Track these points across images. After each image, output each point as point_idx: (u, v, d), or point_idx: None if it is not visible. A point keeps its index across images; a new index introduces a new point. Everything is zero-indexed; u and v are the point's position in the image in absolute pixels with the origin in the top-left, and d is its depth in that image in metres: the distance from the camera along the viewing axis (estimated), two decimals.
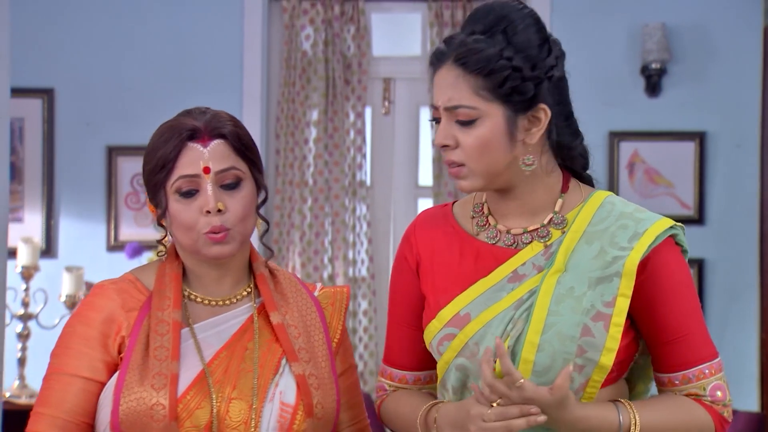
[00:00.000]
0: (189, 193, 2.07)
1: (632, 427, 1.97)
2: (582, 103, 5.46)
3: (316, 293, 2.25)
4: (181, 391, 2.04)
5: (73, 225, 5.41)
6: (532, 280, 2.03)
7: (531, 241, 2.07)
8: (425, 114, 5.48)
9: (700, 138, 5.33)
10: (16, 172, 5.43)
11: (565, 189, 2.09)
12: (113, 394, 2.04)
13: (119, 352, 2.09)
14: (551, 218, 2.07)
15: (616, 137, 5.35)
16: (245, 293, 2.17)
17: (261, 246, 2.26)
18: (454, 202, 2.21)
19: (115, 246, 5.37)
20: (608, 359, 1.96)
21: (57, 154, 5.46)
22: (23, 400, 5.01)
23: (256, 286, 2.19)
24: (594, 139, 5.41)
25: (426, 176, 5.50)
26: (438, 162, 5.35)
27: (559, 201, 2.08)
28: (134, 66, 5.38)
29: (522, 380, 1.91)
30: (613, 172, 5.35)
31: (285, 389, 2.09)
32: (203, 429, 2.03)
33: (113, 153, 5.40)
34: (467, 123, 2.01)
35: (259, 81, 5.39)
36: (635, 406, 2.00)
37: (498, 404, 1.93)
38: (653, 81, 5.30)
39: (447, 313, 2.06)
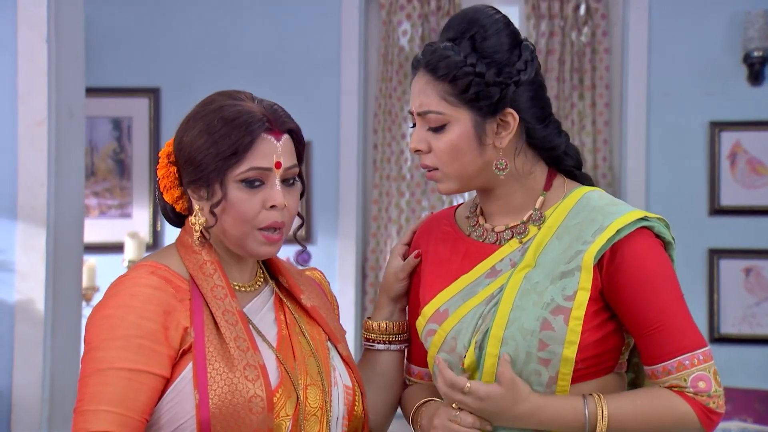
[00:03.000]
0: (254, 185, 2.00)
1: (599, 417, 1.95)
2: (683, 93, 5.46)
3: (306, 273, 2.29)
4: (275, 382, 1.98)
5: None
6: (504, 275, 2.05)
7: (511, 238, 2.09)
8: None
9: None
10: (124, 170, 5.60)
11: (547, 187, 2.10)
12: (196, 387, 1.93)
13: (180, 345, 1.96)
14: (530, 215, 2.09)
15: (718, 127, 5.25)
16: (261, 278, 2.15)
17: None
18: (460, 204, 2.25)
19: None
20: (571, 352, 1.96)
21: None
22: None
23: (267, 271, 2.19)
24: (695, 130, 5.40)
25: None
26: None
27: (540, 198, 2.10)
28: (235, 64, 5.49)
29: (469, 384, 1.96)
30: (715, 162, 5.24)
31: (341, 371, 2.12)
32: (291, 418, 2.00)
33: None
34: (437, 128, 2.04)
35: (357, 77, 5.45)
36: (606, 397, 1.98)
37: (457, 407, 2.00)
38: (755, 69, 5.17)
39: (429, 309, 2.10)
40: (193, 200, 2.06)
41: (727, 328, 5.22)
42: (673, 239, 2.06)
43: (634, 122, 5.31)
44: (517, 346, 1.97)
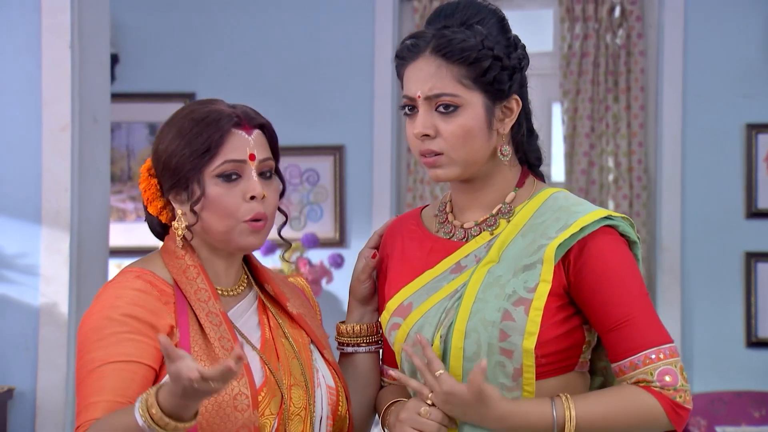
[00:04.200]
0: (231, 178, 2.05)
1: (567, 418, 1.96)
2: (718, 96, 5.42)
3: (290, 280, 2.32)
4: (259, 381, 2.03)
5: None
6: (468, 271, 2.06)
7: (479, 234, 2.10)
8: (557, 109, 5.46)
9: None
10: None
11: (520, 184, 2.13)
12: None
13: None
14: (500, 208, 2.11)
15: (754, 129, 5.20)
16: (245, 283, 2.19)
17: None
18: (426, 206, 2.26)
19: None
20: (530, 343, 1.97)
21: None
22: None
23: (251, 276, 2.22)
24: (731, 132, 5.35)
25: (558, 172, 5.47)
26: (570, 157, 5.32)
27: (512, 194, 2.12)
28: (269, 68, 5.51)
29: (440, 372, 1.97)
30: (751, 165, 5.19)
31: (324, 372, 2.15)
32: (276, 417, 2.04)
33: None
34: (449, 112, 2.04)
35: (390, 80, 5.45)
36: (574, 399, 1.98)
37: (431, 400, 2.01)
38: None
39: (393, 303, 2.13)
40: (175, 206, 2.11)
41: (765, 332, 5.16)
42: (638, 239, 2.09)
43: (670, 125, 5.27)
44: (479, 338, 1.99)
